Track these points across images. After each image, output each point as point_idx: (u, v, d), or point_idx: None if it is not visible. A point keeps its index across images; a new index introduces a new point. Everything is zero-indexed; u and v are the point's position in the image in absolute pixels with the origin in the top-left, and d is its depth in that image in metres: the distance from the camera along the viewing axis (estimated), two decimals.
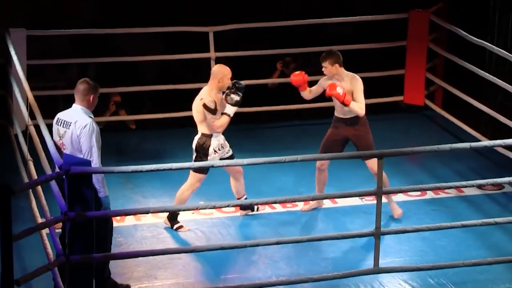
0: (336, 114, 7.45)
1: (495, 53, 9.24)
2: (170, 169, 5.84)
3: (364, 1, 12.33)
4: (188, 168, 6.77)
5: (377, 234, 6.17)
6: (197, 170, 7.18)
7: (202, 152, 7.24)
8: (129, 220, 7.46)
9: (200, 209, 6.31)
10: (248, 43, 10.13)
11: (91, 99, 6.09)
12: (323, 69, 7.33)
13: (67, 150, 6.01)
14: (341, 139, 7.44)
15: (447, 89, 9.90)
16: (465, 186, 7.15)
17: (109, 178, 7.81)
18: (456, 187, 7.69)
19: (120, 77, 9.97)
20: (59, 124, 6.11)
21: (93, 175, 5.75)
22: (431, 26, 10.02)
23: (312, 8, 11.27)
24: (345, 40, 9.97)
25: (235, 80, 7.26)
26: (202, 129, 7.27)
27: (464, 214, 7.63)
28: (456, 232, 7.21)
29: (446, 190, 8.08)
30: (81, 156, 5.93)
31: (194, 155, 7.31)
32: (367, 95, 7.44)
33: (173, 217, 7.34)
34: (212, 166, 6.87)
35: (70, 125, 6.02)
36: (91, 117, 6.08)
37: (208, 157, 7.21)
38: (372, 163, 7.18)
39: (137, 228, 7.34)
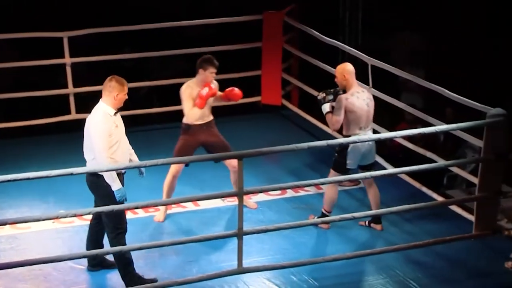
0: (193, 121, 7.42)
1: (347, 52, 9.46)
2: (28, 179, 5.71)
3: (217, 4, 12.41)
4: (47, 177, 6.28)
5: (240, 235, 6.22)
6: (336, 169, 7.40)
7: None
8: None
9: (61, 217, 6.19)
10: (105, 48, 10.01)
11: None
12: (212, 74, 7.36)
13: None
14: (197, 145, 7.47)
15: (303, 88, 10.07)
16: (324, 183, 7.28)
17: None
18: (315, 185, 7.83)
19: None
20: None
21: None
22: (285, 27, 10.17)
23: (170, 11, 11.29)
24: (202, 42, 10.00)
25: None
26: None
27: None
28: (316, 229, 7.38)
29: (305, 188, 8.23)
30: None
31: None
32: None
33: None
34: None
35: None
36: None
37: None
38: (233, 162, 7.27)
39: None
